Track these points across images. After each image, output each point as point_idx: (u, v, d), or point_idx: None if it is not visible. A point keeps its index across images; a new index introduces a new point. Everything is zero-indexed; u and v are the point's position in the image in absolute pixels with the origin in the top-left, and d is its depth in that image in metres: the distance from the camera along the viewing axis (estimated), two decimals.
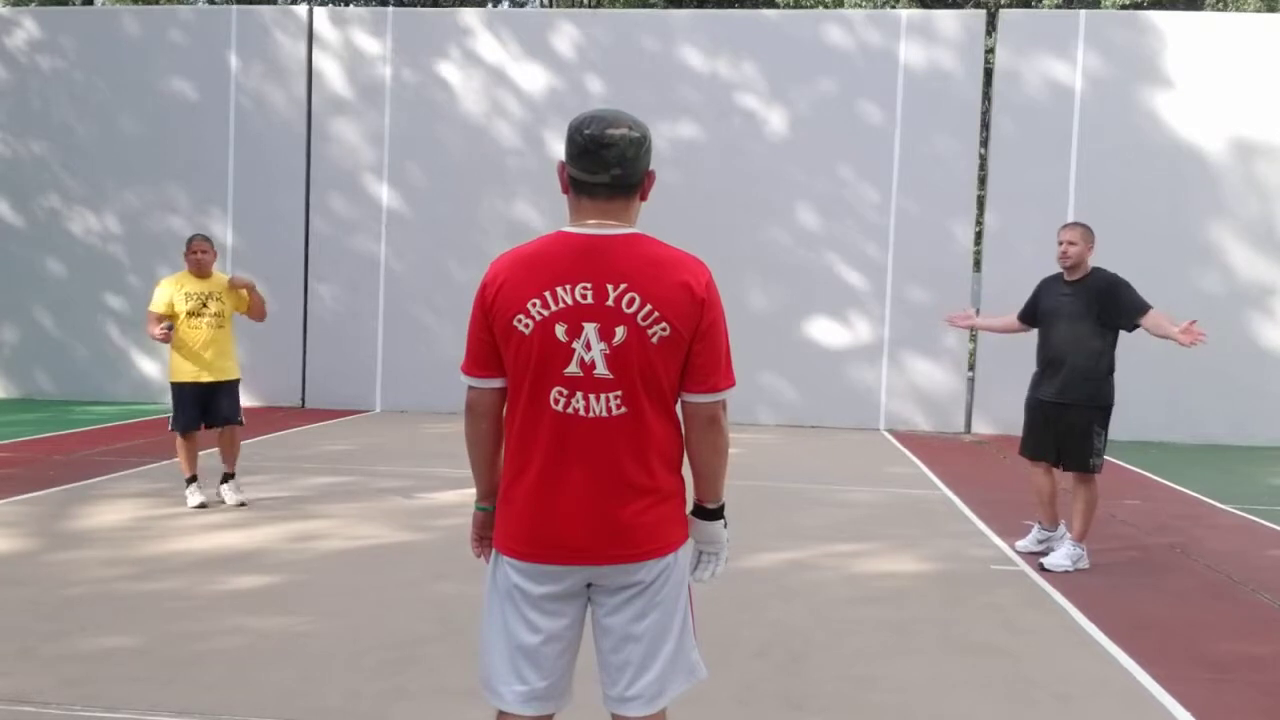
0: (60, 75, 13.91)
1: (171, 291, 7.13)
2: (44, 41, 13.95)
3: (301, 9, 13.66)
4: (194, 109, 13.66)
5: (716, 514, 2.48)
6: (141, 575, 5.43)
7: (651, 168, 2.38)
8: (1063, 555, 6.03)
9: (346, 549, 6.14)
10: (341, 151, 13.56)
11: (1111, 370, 6.02)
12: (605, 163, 2.29)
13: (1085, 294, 6.01)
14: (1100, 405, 5.99)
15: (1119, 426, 11.68)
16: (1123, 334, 6.04)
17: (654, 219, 3.00)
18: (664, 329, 2.27)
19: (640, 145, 2.32)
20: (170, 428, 7.21)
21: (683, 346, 2.30)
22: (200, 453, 7.30)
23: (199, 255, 7.20)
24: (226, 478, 7.28)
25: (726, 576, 2.61)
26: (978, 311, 6.49)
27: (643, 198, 2.40)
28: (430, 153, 13.42)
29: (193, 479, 7.18)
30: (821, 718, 3.82)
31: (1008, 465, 10.28)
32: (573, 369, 2.27)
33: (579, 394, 2.28)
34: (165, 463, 8.87)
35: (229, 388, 7.25)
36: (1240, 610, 5.38)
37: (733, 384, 2.37)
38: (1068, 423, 6.03)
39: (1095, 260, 6.15)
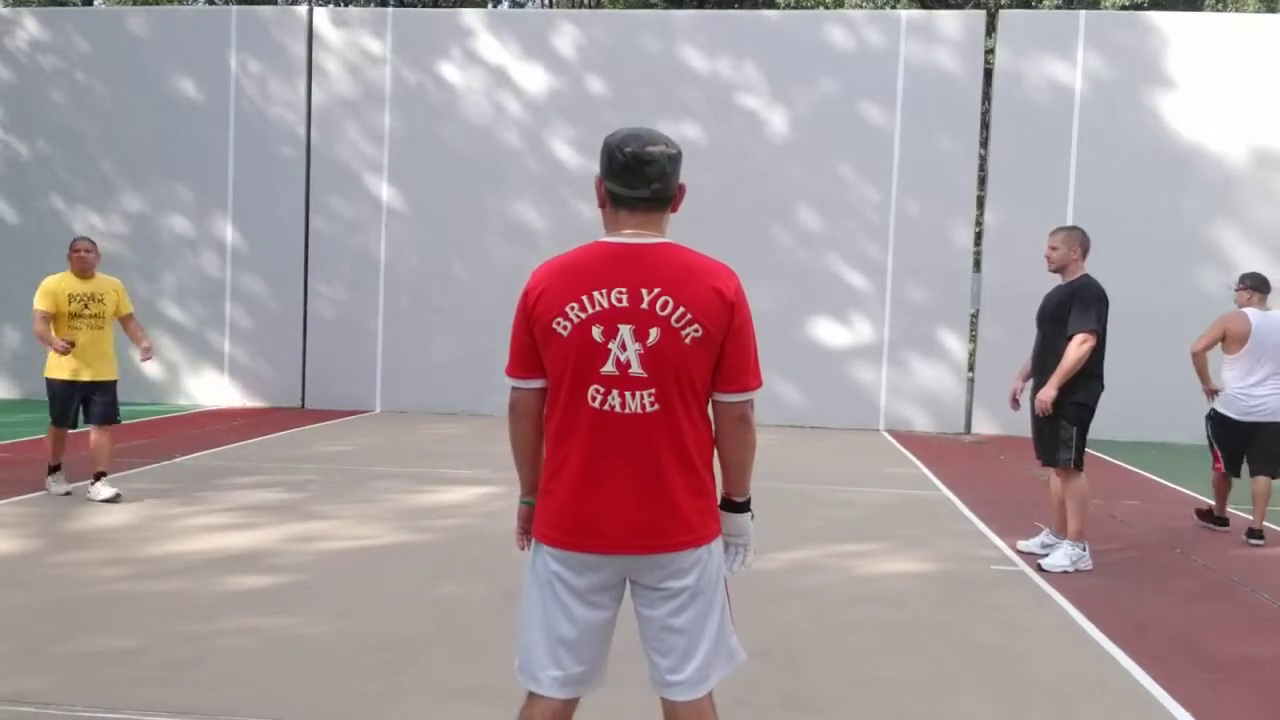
0: (61, 75, 13.91)
1: (56, 291, 7.26)
2: (45, 41, 13.96)
3: (301, 9, 13.66)
4: (195, 109, 13.67)
5: (744, 507, 2.59)
6: (142, 576, 5.43)
7: (682, 181, 2.51)
8: (1061, 556, 6.03)
9: (346, 549, 6.14)
10: (342, 151, 13.56)
11: (1087, 371, 5.95)
12: (646, 178, 2.42)
13: (1061, 297, 6.05)
14: (1067, 400, 5.93)
15: (1120, 426, 11.87)
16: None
17: None
18: (697, 330, 2.37)
19: (676, 161, 2.46)
20: (52, 422, 7.34)
21: (715, 347, 2.40)
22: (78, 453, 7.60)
23: (83, 255, 7.31)
24: (99, 476, 7.25)
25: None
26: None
27: (674, 209, 2.53)
28: (430, 153, 13.42)
29: (57, 468, 7.42)
30: (822, 718, 3.81)
31: (1008, 465, 10.28)
32: (609, 368, 2.39)
33: (615, 391, 2.39)
34: (165, 463, 8.89)
35: (106, 388, 7.34)
36: (1240, 610, 5.38)
37: (760, 384, 2.49)
38: (1042, 418, 6.06)
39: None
